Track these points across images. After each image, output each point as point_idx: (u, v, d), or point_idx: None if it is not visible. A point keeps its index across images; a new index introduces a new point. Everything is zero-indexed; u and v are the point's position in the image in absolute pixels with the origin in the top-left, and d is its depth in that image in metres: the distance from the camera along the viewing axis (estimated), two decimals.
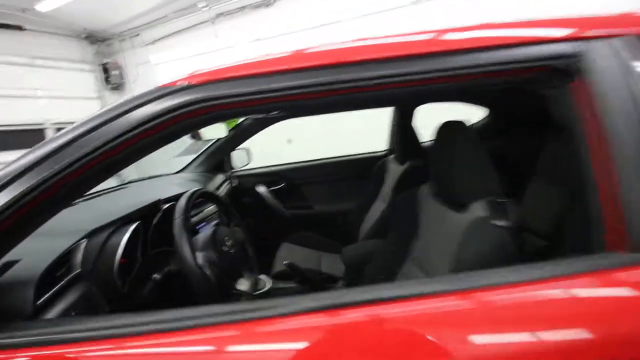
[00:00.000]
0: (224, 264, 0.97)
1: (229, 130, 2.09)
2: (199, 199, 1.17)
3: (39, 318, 0.66)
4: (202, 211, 1.48)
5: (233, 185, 2.22)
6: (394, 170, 1.77)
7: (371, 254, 1.36)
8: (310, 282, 1.43)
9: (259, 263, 2.33)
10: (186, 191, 1.05)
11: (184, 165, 2.19)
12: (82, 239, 0.87)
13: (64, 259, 0.80)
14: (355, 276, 1.38)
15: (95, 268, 0.85)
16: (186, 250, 0.84)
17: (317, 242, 2.03)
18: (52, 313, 0.70)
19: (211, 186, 1.85)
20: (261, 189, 2.31)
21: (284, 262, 1.44)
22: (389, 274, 1.08)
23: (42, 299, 0.69)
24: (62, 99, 5.37)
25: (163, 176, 1.91)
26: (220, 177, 2.12)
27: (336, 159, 2.40)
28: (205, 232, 1.03)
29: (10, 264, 0.70)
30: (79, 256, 0.84)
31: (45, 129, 5.32)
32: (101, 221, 0.94)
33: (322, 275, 1.55)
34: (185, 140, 2.10)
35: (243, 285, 1.03)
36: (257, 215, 2.37)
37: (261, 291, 1.45)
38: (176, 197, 1.31)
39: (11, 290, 0.66)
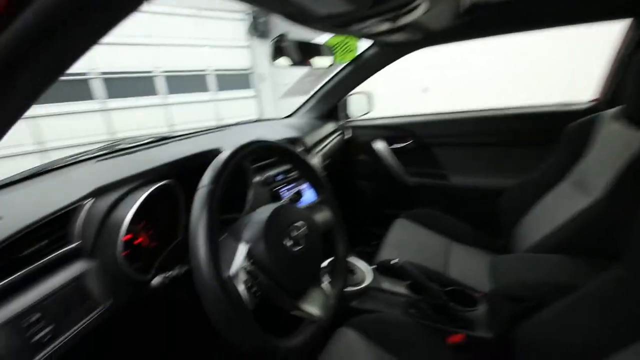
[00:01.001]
0: (277, 270, 0.57)
1: (347, 65, 1.61)
2: (263, 156, 0.78)
3: None
4: (287, 179, 1.12)
5: (345, 137, 1.79)
6: (620, 136, 0.93)
7: (548, 288, 0.72)
8: (425, 294, 0.92)
9: (361, 239, 2.02)
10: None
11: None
12: (86, 197, 0.61)
13: (58, 224, 0.56)
14: (510, 315, 0.78)
15: (97, 245, 0.59)
16: (200, 247, 0.47)
17: (447, 226, 1.42)
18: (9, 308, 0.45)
19: (316, 136, 1.46)
20: (379, 146, 1.80)
21: (394, 262, 0.96)
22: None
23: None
24: (219, 48, 5.99)
25: (262, 121, 1.63)
26: (329, 127, 1.72)
27: (495, 112, 1.61)
28: (254, 215, 0.64)
29: None
30: (78, 223, 0.59)
31: (206, 75, 6.15)
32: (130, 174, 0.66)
33: (446, 290, 0.98)
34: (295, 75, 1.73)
35: (311, 303, 0.62)
36: (370, 178, 1.91)
37: (354, 288, 1.04)
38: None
39: None
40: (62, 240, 0.55)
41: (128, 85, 5.06)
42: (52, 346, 0.47)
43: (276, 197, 1.02)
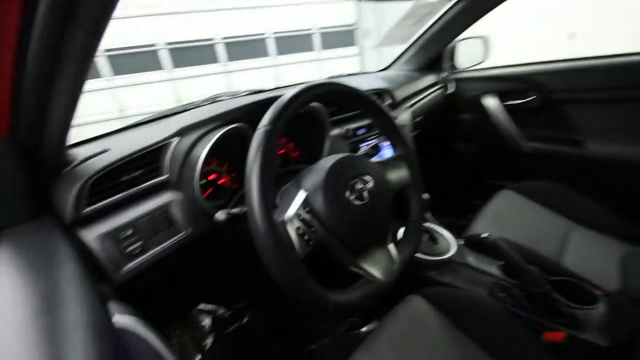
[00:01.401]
0: (334, 222, 0.53)
1: (454, 3, 1.34)
2: (333, 101, 0.72)
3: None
4: (370, 134, 1.04)
5: (447, 92, 1.56)
6: None
7: None
8: (522, 279, 0.76)
9: (454, 210, 1.79)
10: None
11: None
12: (173, 136, 0.67)
13: (151, 157, 0.64)
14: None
15: (181, 178, 0.66)
16: (253, 188, 0.46)
17: (570, 205, 1.14)
18: (101, 227, 0.56)
19: (409, 90, 1.31)
20: (490, 102, 1.51)
21: (485, 235, 0.81)
22: None
23: (93, 206, 0.55)
24: (322, 3, 5.88)
25: (355, 75, 1.53)
26: (429, 79, 1.51)
27: None
28: (319, 163, 0.60)
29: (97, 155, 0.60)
30: (166, 158, 0.66)
31: (313, 34, 6.19)
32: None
33: (553, 279, 0.78)
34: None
35: (372, 264, 0.58)
36: (474, 140, 1.65)
37: (434, 258, 0.94)
38: None
39: (65, 188, 0.55)
40: (155, 172, 0.64)
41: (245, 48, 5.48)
42: (140, 258, 0.57)
43: (355, 151, 0.97)
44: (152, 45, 5.14)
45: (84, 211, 0.54)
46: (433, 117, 1.54)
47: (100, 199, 0.56)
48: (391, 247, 0.63)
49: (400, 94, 1.15)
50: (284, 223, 0.49)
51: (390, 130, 0.70)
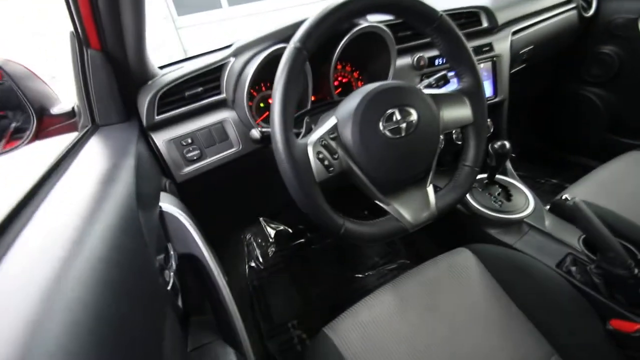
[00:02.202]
0: (361, 153, 0.51)
1: None
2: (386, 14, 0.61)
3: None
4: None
5: (587, 14, 1.17)
6: None
7: None
8: (603, 255, 0.62)
9: (560, 171, 1.44)
10: None
11: None
12: (229, 56, 0.69)
13: (213, 76, 0.69)
14: None
15: (235, 98, 0.69)
16: (276, 107, 0.46)
17: None
18: (168, 133, 0.65)
19: (523, 9, 1.02)
20: None
21: (567, 197, 0.66)
22: None
23: (162, 116, 0.64)
24: None
25: None
26: None
27: None
28: (359, 89, 0.54)
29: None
30: (223, 78, 0.69)
31: None
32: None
33: None
34: None
35: (403, 204, 0.54)
36: (609, 86, 1.26)
37: (501, 215, 0.83)
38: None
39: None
40: (216, 91, 0.69)
41: None
42: (198, 164, 0.66)
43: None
44: None
45: (155, 119, 0.63)
46: (555, 48, 1.21)
47: (169, 110, 0.65)
48: (430, 189, 0.58)
49: (504, 16, 0.92)
50: (304, 145, 0.49)
51: (455, 56, 0.58)
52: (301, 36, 0.47)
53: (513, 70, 1.07)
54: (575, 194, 0.87)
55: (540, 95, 1.51)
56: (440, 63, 0.87)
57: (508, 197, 0.88)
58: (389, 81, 0.55)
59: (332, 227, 0.50)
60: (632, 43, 1.14)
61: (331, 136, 0.51)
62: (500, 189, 0.90)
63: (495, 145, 0.80)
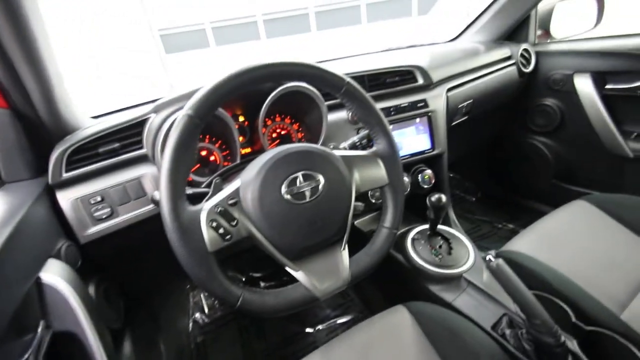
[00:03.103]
0: (264, 220, 0.49)
1: None
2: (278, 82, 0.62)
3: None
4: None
5: (526, 69, 1.24)
6: None
7: None
8: (529, 320, 0.59)
9: (511, 215, 1.48)
10: None
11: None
12: (150, 112, 0.69)
13: (135, 131, 0.68)
14: None
15: (154, 154, 0.68)
16: (164, 174, 0.44)
17: None
18: (75, 191, 0.62)
19: (465, 65, 1.08)
20: (583, 85, 1.16)
21: (490, 255, 0.65)
22: None
23: (71, 173, 0.62)
24: None
25: (415, 47, 1.31)
26: (499, 53, 1.23)
27: None
28: (270, 151, 0.53)
29: None
30: (145, 133, 0.68)
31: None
32: None
33: (589, 329, 0.59)
34: None
35: (311, 269, 0.52)
36: (552, 134, 1.32)
37: (437, 270, 0.81)
38: None
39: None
40: (137, 145, 0.68)
41: None
42: (106, 223, 0.63)
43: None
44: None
45: (63, 176, 0.61)
46: (497, 100, 1.27)
47: (81, 166, 0.62)
48: (345, 254, 0.56)
49: (438, 74, 0.96)
50: (196, 213, 0.47)
51: (367, 120, 0.59)
52: (192, 104, 0.47)
53: (455, 122, 1.11)
54: (518, 246, 0.87)
55: (495, 142, 1.57)
56: None
57: (449, 249, 0.86)
58: (297, 145, 0.55)
59: (227, 299, 0.46)
60: (570, 97, 1.20)
61: (231, 201, 0.50)
62: (442, 241, 0.89)
63: (432, 199, 0.80)
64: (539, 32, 1.32)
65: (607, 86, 1.11)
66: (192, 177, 0.72)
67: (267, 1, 5.73)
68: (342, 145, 0.71)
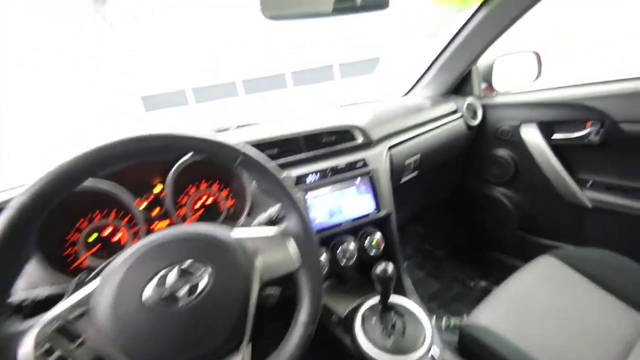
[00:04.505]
0: (118, 335, 0.37)
1: (478, 9, 1.06)
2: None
3: None
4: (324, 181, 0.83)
5: (473, 122, 1.24)
6: None
7: None
8: None
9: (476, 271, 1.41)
10: None
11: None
12: None
13: None
14: None
15: None
16: None
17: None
18: None
19: (409, 121, 1.06)
20: (530, 136, 1.15)
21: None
22: None
23: None
24: None
25: (368, 103, 1.30)
26: (448, 107, 1.23)
27: None
28: (140, 242, 0.43)
29: None
30: None
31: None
32: None
33: None
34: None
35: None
36: (510, 185, 1.28)
37: (391, 356, 0.68)
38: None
39: None
40: None
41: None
42: None
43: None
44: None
45: None
46: (448, 154, 1.25)
47: None
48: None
49: (379, 131, 0.92)
50: (14, 337, 0.35)
51: (272, 192, 0.51)
52: (32, 191, 0.37)
53: (405, 179, 1.05)
54: (483, 318, 0.77)
55: (458, 194, 1.52)
56: (315, 180, 0.82)
57: (403, 329, 0.74)
58: (174, 230, 0.45)
59: None
60: (520, 147, 1.19)
61: (76, 313, 0.38)
62: (395, 317, 0.77)
63: (377, 271, 0.70)
64: (483, 86, 1.35)
65: (555, 136, 1.10)
66: (89, 262, 0.61)
67: (245, 66, 6.04)
68: (258, 219, 0.61)
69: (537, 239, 1.26)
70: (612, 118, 0.93)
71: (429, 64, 1.31)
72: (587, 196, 1.05)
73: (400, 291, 0.87)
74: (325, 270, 0.83)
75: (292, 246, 0.50)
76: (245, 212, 0.73)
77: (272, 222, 0.60)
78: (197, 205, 0.78)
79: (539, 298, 0.78)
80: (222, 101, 6.34)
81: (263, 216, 0.60)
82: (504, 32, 1.07)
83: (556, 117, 1.08)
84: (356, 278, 0.96)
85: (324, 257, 0.82)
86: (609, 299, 0.76)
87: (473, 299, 1.34)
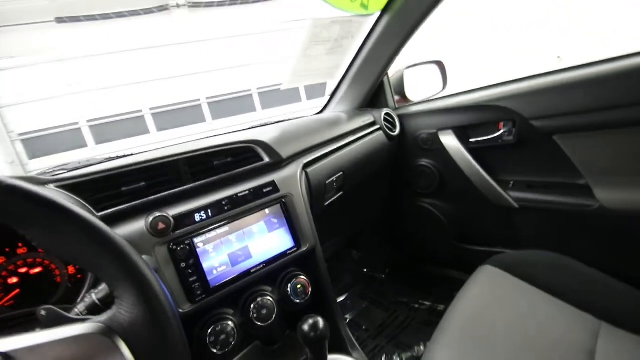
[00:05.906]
0: None
1: (379, 18, 1.01)
2: None
3: None
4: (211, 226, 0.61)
5: (392, 133, 1.17)
6: None
7: None
8: None
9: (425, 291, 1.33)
10: None
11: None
12: None
13: None
14: None
15: None
16: None
17: (591, 289, 0.71)
18: None
19: (324, 136, 0.92)
20: (448, 142, 1.11)
21: None
22: None
23: None
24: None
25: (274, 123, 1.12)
26: (366, 118, 1.14)
27: None
28: None
29: None
30: None
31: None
32: None
33: None
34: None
35: None
36: (437, 194, 1.24)
37: None
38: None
39: None
40: None
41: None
42: None
43: (180, 260, 0.55)
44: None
45: None
46: (373, 167, 1.15)
47: None
48: None
49: (290, 149, 0.75)
50: None
51: (87, 256, 0.29)
52: None
53: (329, 202, 0.90)
54: (436, 357, 0.62)
55: (389, 210, 1.44)
56: (204, 218, 0.60)
57: None
58: None
59: None
60: (441, 154, 1.15)
61: None
62: None
63: (305, 327, 0.50)
64: (397, 97, 1.31)
65: (472, 140, 1.08)
66: None
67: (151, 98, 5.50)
68: (80, 306, 0.37)
69: (473, 247, 1.21)
70: (522, 116, 0.92)
71: (339, 80, 1.23)
72: (512, 196, 1.03)
73: (340, 347, 0.68)
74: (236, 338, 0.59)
75: (119, 348, 0.27)
76: (86, 286, 0.47)
77: (94, 310, 0.37)
78: (14, 280, 0.50)
79: (491, 319, 0.67)
80: (127, 140, 5.68)
81: (88, 300, 0.37)
82: (409, 39, 1.03)
83: (471, 121, 1.06)
84: (288, 334, 0.75)
85: (232, 323, 0.59)
86: (560, 306, 0.69)
87: (421, 322, 1.22)
